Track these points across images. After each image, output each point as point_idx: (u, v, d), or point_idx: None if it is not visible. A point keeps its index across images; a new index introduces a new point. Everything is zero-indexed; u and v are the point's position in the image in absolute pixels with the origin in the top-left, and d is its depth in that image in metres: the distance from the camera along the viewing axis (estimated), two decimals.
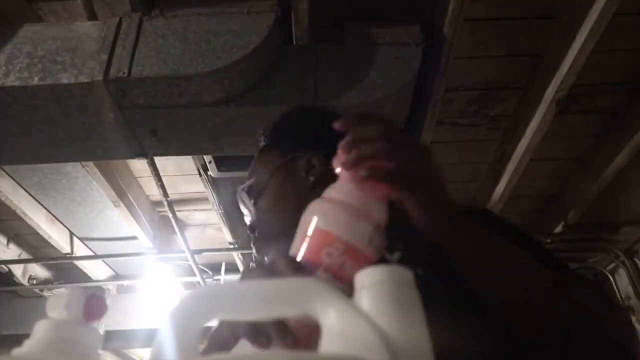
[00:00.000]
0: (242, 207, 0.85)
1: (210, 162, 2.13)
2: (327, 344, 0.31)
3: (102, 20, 1.48)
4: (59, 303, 0.39)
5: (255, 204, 0.81)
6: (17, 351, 0.37)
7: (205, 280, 3.11)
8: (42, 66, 1.35)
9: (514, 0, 1.61)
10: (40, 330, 0.38)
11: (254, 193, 0.82)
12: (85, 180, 2.34)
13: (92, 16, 1.51)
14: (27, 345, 0.37)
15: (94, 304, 0.40)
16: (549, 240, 2.76)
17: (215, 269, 3.24)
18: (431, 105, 1.72)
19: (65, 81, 1.33)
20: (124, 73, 1.32)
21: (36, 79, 1.33)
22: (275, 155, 0.85)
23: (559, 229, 2.69)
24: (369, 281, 0.32)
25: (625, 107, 2.00)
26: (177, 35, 1.39)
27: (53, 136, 1.49)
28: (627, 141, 2.01)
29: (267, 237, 0.79)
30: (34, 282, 3.25)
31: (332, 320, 0.31)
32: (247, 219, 0.84)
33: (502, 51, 1.77)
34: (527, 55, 1.79)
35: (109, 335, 3.25)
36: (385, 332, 0.29)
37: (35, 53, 1.38)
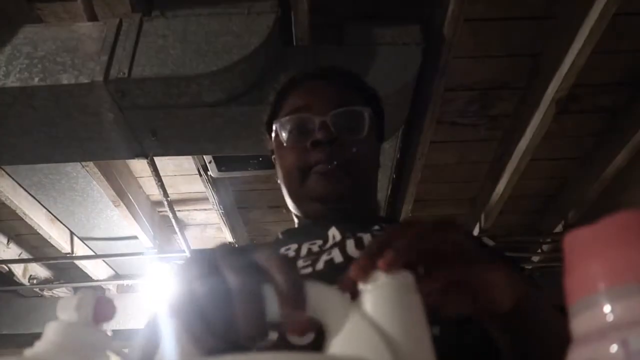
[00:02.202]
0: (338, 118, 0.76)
1: (210, 162, 2.13)
2: (333, 346, 0.31)
3: (102, 20, 1.47)
4: (69, 305, 0.39)
5: (352, 130, 0.76)
6: (28, 352, 0.37)
7: None
8: (42, 67, 1.35)
9: (514, 0, 1.61)
10: (50, 332, 0.38)
11: (353, 120, 0.76)
12: (85, 180, 2.34)
13: (93, 17, 1.50)
14: (38, 347, 0.37)
15: (103, 306, 0.41)
16: (549, 240, 2.76)
17: None
18: (431, 105, 1.72)
19: (65, 82, 1.33)
20: (124, 74, 1.32)
21: (36, 79, 1.33)
22: (361, 101, 0.81)
23: (559, 229, 2.69)
24: (372, 285, 0.33)
25: (625, 107, 2.00)
26: (177, 36, 1.39)
27: (53, 136, 1.49)
28: (627, 141, 2.01)
29: (355, 167, 0.74)
30: (34, 281, 3.25)
31: (337, 322, 0.31)
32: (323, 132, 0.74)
33: (502, 51, 1.77)
34: (527, 55, 1.79)
35: (109, 334, 3.25)
36: (388, 334, 0.30)
37: (36, 54, 1.38)
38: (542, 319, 0.45)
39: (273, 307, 0.32)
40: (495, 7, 1.62)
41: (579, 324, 0.24)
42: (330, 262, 0.59)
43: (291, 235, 0.79)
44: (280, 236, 0.82)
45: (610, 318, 0.22)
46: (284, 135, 0.78)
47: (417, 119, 1.81)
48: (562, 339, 0.35)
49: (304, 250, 0.67)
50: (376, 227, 0.71)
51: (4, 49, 1.38)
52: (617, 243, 0.24)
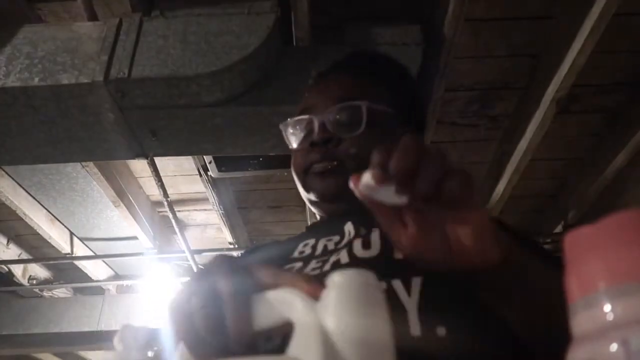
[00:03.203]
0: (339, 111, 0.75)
1: (210, 162, 2.13)
2: (290, 349, 0.33)
3: (102, 20, 1.47)
4: (122, 338, 0.43)
5: (352, 125, 0.73)
6: None
7: None
8: (43, 67, 1.35)
9: (514, 0, 1.61)
10: None
11: (350, 116, 0.73)
12: (85, 181, 2.34)
13: (93, 17, 1.50)
14: None
15: (148, 338, 0.45)
16: (548, 240, 2.76)
17: None
18: (431, 105, 1.72)
19: (65, 82, 1.33)
20: (124, 74, 1.32)
21: (36, 79, 1.33)
22: (376, 94, 0.77)
23: (559, 229, 2.69)
24: (335, 283, 0.34)
25: (625, 107, 2.00)
26: (177, 36, 1.39)
27: (53, 136, 1.49)
28: (627, 141, 2.01)
29: (351, 163, 0.72)
30: (34, 282, 3.25)
31: (298, 326, 0.33)
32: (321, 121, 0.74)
33: (502, 51, 1.77)
34: (527, 55, 1.79)
35: (109, 334, 3.25)
36: (349, 327, 0.31)
37: (36, 54, 1.38)
38: (532, 279, 0.47)
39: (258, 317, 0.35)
40: (495, 7, 1.62)
41: (579, 323, 0.24)
42: (336, 264, 0.60)
43: (313, 229, 0.80)
44: (305, 230, 0.83)
45: (610, 317, 0.22)
46: (288, 138, 0.79)
47: None
48: (553, 297, 0.36)
49: (319, 248, 0.68)
50: None
51: (4, 49, 1.38)
52: (617, 243, 0.24)
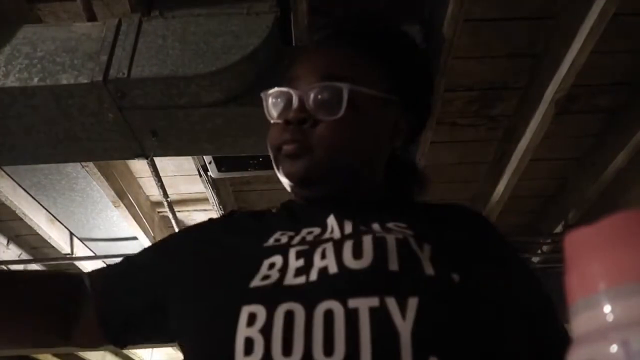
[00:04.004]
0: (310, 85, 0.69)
1: (210, 163, 2.13)
2: None
3: (101, 21, 1.47)
4: None
5: (326, 105, 0.67)
6: None
7: None
8: (42, 67, 1.35)
9: (514, 0, 1.61)
10: None
11: (329, 98, 0.67)
12: (85, 181, 2.34)
13: (92, 17, 1.50)
14: None
15: None
16: (548, 241, 2.76)
17: None
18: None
19: (64, 82, 1.33)
20: (124, 74, 1.32)
21: (36, 79, 1.33)
22: (370, 74, 0.71)
23: (559, 229, 2.69)
24: None
25: (625, 107, 2.00)
26: (177, 36, 1.39)
27: (53, 137, 1.49)
28: (627, 141, 2.01)
29: (325, 149, 0.66)
30: None
31: None
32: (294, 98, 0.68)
33: (502, 51, 1.77)
34: (527, 55, 1.79)
35: None
36: None
37: (35, 54, 1.37)
38: None
39: None
40: (495, 7, 1.62)
41: (579, 324, 0.24)
42: (324, 273, 0.54)
43: (290, 213, 0.73)
44: (279, 208, 0.76)
45: (610, 318, 0.22)
46: (268, 109, 0.73)
47: None
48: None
49: (298, 238, 0.63)
50: (390, 223, 0.64)
51: (3, 49, 1.38)
52: (617, 243, 0.24)
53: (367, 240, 0.57)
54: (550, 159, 2.32)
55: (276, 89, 0.72)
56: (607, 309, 0.23)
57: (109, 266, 0.78)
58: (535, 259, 2.97)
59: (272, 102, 0.73)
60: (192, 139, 1.55)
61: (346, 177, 0.70)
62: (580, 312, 0.24)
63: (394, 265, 0.54)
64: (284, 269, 0.56)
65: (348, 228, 0.62)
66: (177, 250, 0.72)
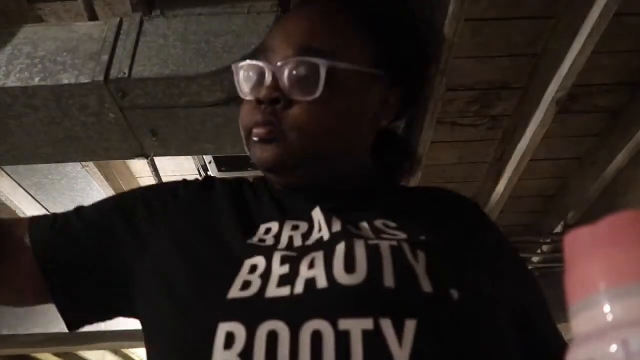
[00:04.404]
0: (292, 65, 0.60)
1: (210, 162, 2.13)
2: None
3: (102, 20, 1.48)
4: None
5: (303, 81, 0.59)
6: None
7: None
8: (43, 67, 1.35)
9: (514, 0, 1.61)
10: None
11: (306, 76, 0.59)
12: (85, 181, 2.34)
13: (93, 17, 1.51)
14: None
15: None
16: (548, 241, 2.76)
17: None
18: (431, 105, 1.72)
19: (65, 82, 1.33)
20: (125, 74, 1.32)
21: (37, 79, 1.34)
22: (355, 43, 0.63)
23: (559, 229, 2.69)
24: None
25: (625, 107, 2.00)
26: (178, 36, 1.39)
27: (53, 136, 1.49)
28: (627, 141, 2.01)
29: (303, 132, 0.60)
30: None
31: None
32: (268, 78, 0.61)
33: (502, 51, 1.77)
34: (527, 55, 1.79)
35: (109, 334, 3.25)
36: None
37: (36, 54, 1.38)
38: None
39: None
40: (495, 7, 1.62)
41: (579, 324, 0.24)
42: (311, 286, 0.49)
43: (272, 198, 0.66)
44: (258, 185, 0.70)
45: (610, 318, 0.22)
46: (237, 83, 0.65)
47: (417, 119, 1.81)
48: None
49: (284, 239, 0.57)
50: (380, 221, 0.59)
51: (4, 49, 1.38)
52: (617, 243, 0.24)
53: (360, 250, 0.52)
54: (551, 159, 2.32)
55: (248, 61, 0.63)
56: (607, 309, 0.23)
57: (54, 216, 0.71)
58: (535, 259, 2.97)
59: (244, 76, 0.64)
60: (193, 138, 1.55)
61: (324, 164, 0.63)
62: (580, 312, 0.24)
63: (389, 281, 0.49)
64: (266, 275, 0.51)
65: (336, 226, 0.57)
66: (148, 222, 0.64)
